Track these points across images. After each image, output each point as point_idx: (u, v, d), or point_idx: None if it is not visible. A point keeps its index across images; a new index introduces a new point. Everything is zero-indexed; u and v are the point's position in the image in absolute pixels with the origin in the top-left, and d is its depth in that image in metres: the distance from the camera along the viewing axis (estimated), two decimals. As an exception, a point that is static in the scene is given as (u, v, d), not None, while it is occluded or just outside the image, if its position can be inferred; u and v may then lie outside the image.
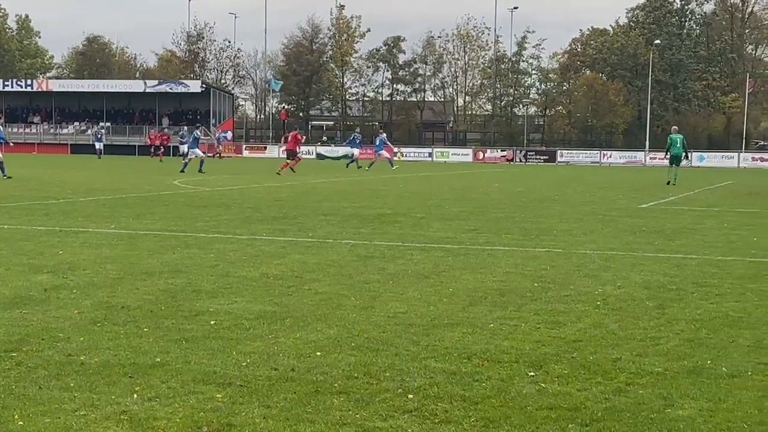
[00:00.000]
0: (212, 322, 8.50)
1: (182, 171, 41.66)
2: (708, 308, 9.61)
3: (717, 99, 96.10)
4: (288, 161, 42.97)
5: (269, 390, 6.36)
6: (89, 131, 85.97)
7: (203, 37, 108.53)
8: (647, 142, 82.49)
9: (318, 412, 5.88)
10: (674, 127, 40.41)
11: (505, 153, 78.20)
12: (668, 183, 35.89)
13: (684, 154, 36.89)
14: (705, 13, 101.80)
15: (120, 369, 6.83)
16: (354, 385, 6.52)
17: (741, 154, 74.55)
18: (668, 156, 36.85)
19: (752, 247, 15.04)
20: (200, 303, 9.46)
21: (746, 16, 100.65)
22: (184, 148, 43.11)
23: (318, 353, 7.41)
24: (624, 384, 6.66)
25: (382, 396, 6.27)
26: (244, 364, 7.04)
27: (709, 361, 7.33)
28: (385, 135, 52.95)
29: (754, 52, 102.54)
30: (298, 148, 45.54)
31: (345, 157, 54.20)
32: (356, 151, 53.80)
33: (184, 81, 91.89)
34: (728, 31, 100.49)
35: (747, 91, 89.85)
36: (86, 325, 8.29)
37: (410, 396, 6.27)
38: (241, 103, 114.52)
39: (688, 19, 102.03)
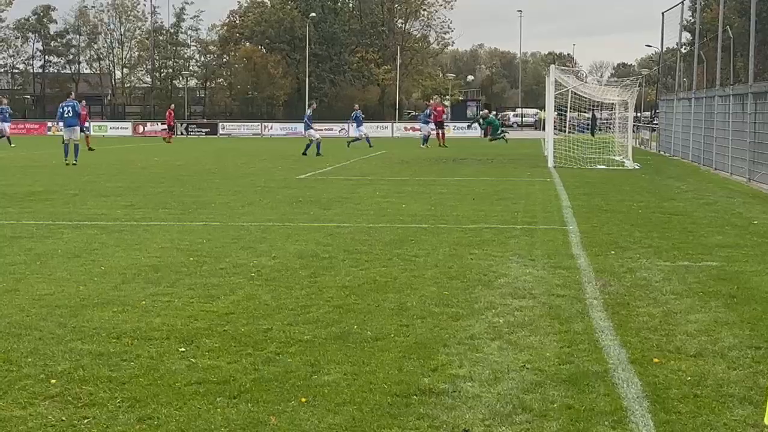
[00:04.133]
0: None
1: (304, 153, 37.19)
2: (357, 275, 9.96)
3: (371, 71, 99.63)
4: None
5: None
6: None
7: None
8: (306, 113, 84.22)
9: (-51, 406, 5.53)
10: (485, 111, 48.34)
11: (165, 126, 76.98)
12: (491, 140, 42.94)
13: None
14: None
15: None
16: (-8, 374, 6.19)
17: (395, 124, 77.79)
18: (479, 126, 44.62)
19: (401, 214, 15.75)
20: None
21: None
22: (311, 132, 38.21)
23: (-47, 343, 6.96)
24: (274, 354, 6.76)
25: (22, 383, 5.99)
26: None
27: (355, 326, 7.59)
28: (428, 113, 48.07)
29: (403, 25, 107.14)
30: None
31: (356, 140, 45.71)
32: (362, 130, 46.94)
33: None
34: (379, 6, 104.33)
35: (398, 63, 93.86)
36: None
37: (53, 381, 6.04)
38: None
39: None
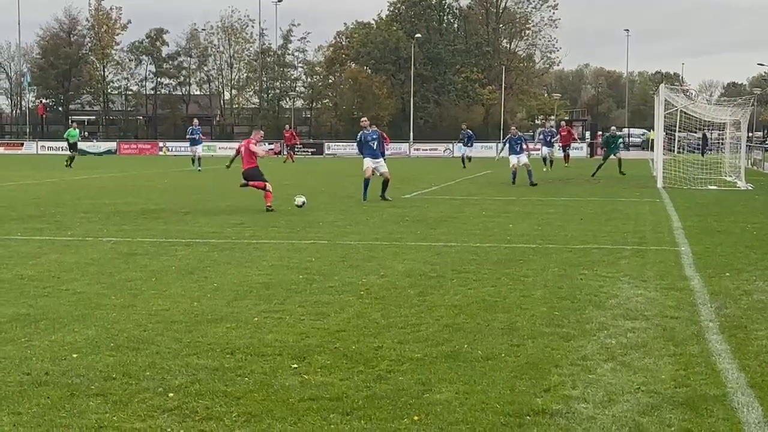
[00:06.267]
0: (-40, 328, 8.05)
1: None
2: (466, 294, 9.93)
3: (476, 91, 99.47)
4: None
5: (20, 396, 6.10)
6: None
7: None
8: (411, 134, 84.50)
9: (73, 416, 5.69)
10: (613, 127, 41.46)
11: (272, 146, 78.15)
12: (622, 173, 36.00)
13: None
14: (462, 7, 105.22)
15: None
16: (112, 386, 6.35)
17: (499, 144, 77.45)
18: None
19: (508, 234, 15.66)
20: (-53, 308, 8.94)
21: (500, 11, 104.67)
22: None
23: (74, 355, 7.17)
24: (385, 371, 6.78)
25: (141, 396, 6.13)
26: (-6, 370, 6.71)
27: (466, 345, 7.57)
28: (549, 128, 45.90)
29: (508, 45, 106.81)
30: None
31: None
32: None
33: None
34: (484, 26, 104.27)
35: (503, 84, 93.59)
36: None
37: (171, 395, 6.16)
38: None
39: (446, 14, 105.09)
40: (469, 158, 47.39)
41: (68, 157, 45.10)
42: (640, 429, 5.54)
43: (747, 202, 23.25)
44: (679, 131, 36.76)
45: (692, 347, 7.51)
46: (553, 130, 47.09)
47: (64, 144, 74.16)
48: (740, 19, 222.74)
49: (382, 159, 24.34)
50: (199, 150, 42.68)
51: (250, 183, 20.78)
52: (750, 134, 58.34)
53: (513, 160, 31.73)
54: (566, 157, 46.65)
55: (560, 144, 46.89)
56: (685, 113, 34.46)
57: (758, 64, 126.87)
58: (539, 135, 47.09)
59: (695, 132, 40.87)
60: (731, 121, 35.14)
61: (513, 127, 34.20)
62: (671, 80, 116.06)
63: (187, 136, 43.49)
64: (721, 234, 15.63)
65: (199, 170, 39.74)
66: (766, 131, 78.97)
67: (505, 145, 32.81)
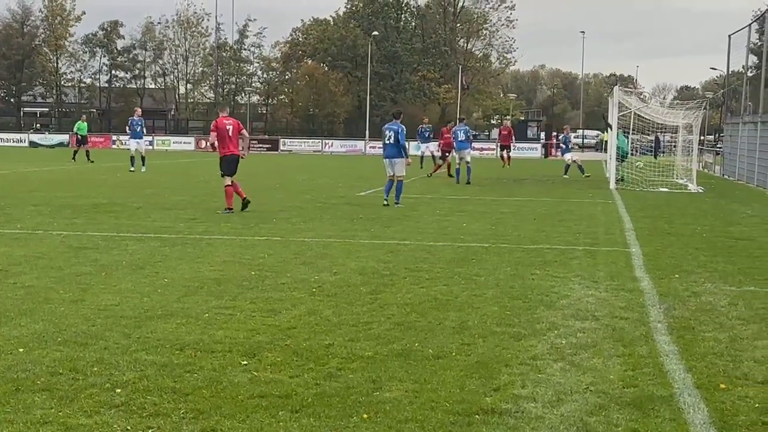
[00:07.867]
0: None
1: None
2: (418, 292, 9.94)
3: (432, 90, 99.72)
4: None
5: (-36, 391, 6.00)
6: None
7: None
8: (367, 132, 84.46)
9: (17, 412, 5.62)
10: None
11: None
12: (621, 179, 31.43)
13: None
14: (419, 6, 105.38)
15: None
16: (58, 381, 6.27)
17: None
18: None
19: (462, 233, 15.70)
20: None
21: (458, 11, 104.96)
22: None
23: (21, 350, 7.08)
24: (335, 369, 6.76)
25: (88, 392, 6.06)
26: (-62, 365, 6.61)
27: (417, 344, 7.57)
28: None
29: (465, 45, 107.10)
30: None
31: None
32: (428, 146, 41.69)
33: None
34: (441, 25, 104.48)
35: (460, 83, 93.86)
36: None
37: (118, 390, 6.10)
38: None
39: (404, 12, 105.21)
40: (421, 157, 42.08)
41: (74, 150, 43.57)
42: (588, 429, 5.57)
43: (697, 204, 23.51)
44: (633, 133, 37.03)
45: (641, 348, 7.57)
46: (569, 135, 44.33)
47: (17, 136, 73.27)
48: (694, 24, 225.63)
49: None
50: (141, 146, 35.58)
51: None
52: (702, 137, 58.97)
53: (567, 156, 37.48)
54: (504, 158, 43.58)
55: (499, 144, 46.65)
56: (638, 116, 34.75)
57: (711, 68, 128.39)
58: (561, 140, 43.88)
59: (648, 134, 41.18)
60: (684, 124, 35.49)
61: (566, 127, 41.57)
62: (625, 82, 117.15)
63: (128, 129, 36.54)
64: (671, 236, 15.79)
65: (143, 171, 34.09)
66: (717, 135, 79.90)
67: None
